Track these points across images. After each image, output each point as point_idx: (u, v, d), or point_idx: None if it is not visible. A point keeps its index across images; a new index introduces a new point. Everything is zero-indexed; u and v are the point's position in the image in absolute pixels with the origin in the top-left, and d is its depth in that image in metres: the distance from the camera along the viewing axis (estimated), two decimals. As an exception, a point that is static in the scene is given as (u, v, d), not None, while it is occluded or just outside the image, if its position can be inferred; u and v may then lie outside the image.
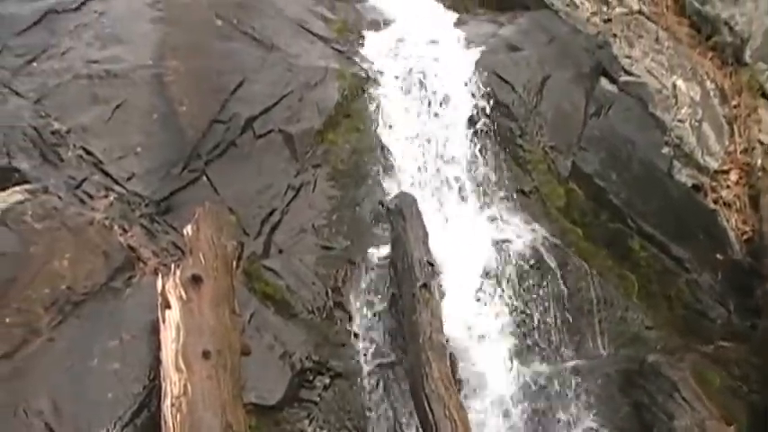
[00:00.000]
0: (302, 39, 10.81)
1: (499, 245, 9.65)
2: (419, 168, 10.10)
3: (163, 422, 6.66)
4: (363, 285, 9.20)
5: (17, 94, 9.16)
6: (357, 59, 10.82)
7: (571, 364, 9.43)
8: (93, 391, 7.28)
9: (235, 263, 7.99)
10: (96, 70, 9.45)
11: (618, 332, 9.71)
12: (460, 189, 10.11)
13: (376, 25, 11.63)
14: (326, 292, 9.08)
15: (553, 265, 9.70)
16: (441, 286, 8.85)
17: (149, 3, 10.27)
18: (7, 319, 7.29)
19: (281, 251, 9.14)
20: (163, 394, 6.78)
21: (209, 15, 10.41)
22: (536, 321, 9.48)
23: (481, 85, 10.53)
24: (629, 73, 11.02)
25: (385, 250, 9.33)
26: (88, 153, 8.89)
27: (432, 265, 8.80)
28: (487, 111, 10.40)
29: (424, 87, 10.53)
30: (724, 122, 10.87)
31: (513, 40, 11.37)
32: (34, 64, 9.47)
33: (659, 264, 10.02)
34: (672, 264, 10.00)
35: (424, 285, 8.49)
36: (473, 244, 9.61)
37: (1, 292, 7.35)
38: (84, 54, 9.63)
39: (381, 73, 10.69)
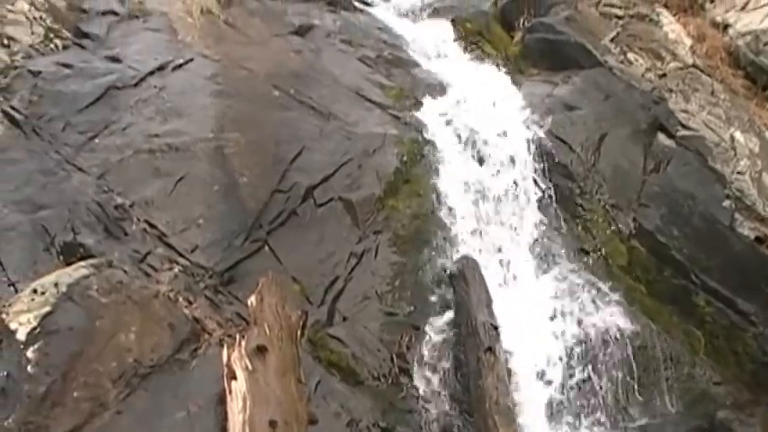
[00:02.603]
0: (359, 106, 10.90)
1: (562, 305, 9.61)
2: (480, 231, 10.14)
3: (232, 493, 6.68)
4: (428, 350, 9.16)
5: (80, 170, 9.26)
6: (415, 125, 10.86)
7: (639, 423, 9.32)
8: (163, 463, 7.30)
9: (299, 332, 7.97)
10: (157, 144, 9.55)
11: (686, 389, 9.60)
12: (522, 250, 10.09)
13: (432, 90, 11.66)
14: (392, 359, 9.03)
15: (618, 323, 9.61)
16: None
17: (208, 76, 10.44)
18: (75, 393, 7.30)
19: (345, 319, 9.12)
20: (231, 465, 6.80)
21: (267, 87, 10.54)
22: (603, 380, 9.37)
23: (539, 146, 10.58)
24: (686, 127, 11.00)
25: (449, 314, 9.35)
26: (152, 226, 8.96)
27: (496, 328, 8.80)
28: (546, 171, 10.41)
29: (482, 150, 10.61)
30: (784, 173, 10.80)
31: (568, 99, 11.43)
32: (96, 140, 9.58)
33: (725, 318, 9.94)
34: (738, 318, 9.92)
35: (489, 349, 8.50)
36: (536, 305, 9.58)
37: (68, 367, 7.37)
38: (145, 129, 9.74)
39: (439, 137, 10.75)
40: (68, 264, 8.27)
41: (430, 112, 11.18)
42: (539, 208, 10.35)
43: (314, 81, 10.96)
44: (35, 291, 7.70)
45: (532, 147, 10.63)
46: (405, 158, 10.36)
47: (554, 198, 10.41)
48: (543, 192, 10.42)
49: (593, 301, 9.71)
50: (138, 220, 8.96)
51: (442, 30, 13.27)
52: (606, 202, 10.46)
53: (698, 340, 9.93)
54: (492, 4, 13.76)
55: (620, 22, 12.65)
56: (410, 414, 8.85)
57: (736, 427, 9.17)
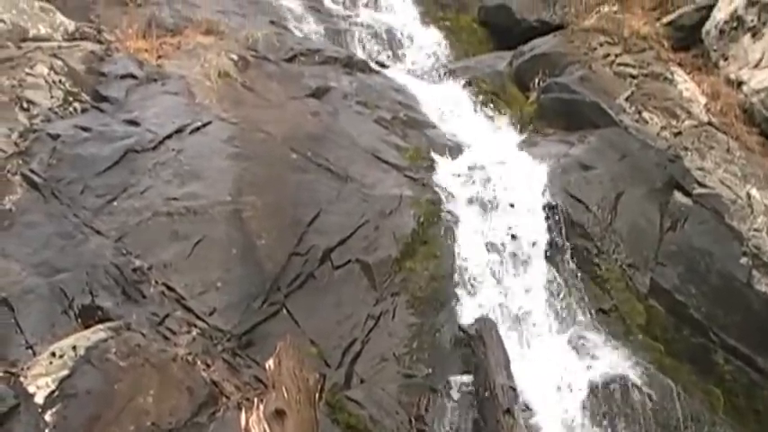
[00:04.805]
0: (376, 168, 10.92)
1: (581, 366, 9.57)
2: (498, 291, 10.12)
3: None
4: (447, 412, 9.08)
5: (98, 233, 9.30)
6: (431, 186, 10.89)
7: (660, 483, 9.28)
8: None
9: (317, 395, 7.95)
10: (176, 207, 9.59)
11: (706, 449, 9.55)
12: (539, 311, 10.07)
13: (447, 151, 11.68)
14: (410, 421, 8.97)
15: (637, 383, 9.56)
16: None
17: (225, 139, 10.48)
18: (94, 457, 7.34)
19: (362, 381, 9.10)
20: None
21: (284, 149, 10.57)
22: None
23: (555, 206, 10.60)
24: (702, 185, 11.03)
25: (467, 376, 9.30)
26: (170, 289, 8.99)
27: (514, 390, 8.77)
28: (563, 231, 10.42)
29: (499, 210, 10.63)
30: (801, 229, 10.79)
31: (584, 158, 11.44)
32: (115, 203, 9.62)
33: (745, 377, 9.93)
34: (758, 376, 9.92)
35: (508, 411, 8.46)
36: (555, 367, 9.55)
37: (86, 430, 7.39)
38: (163, 192, 9.78)
39: (455, 198, 10.80)
40: (86, 327, 8.31)
41: (445, 173, 11.23)
42: (555, 267, 10.35)
43: (331, 143, 10.99)
44: (53, 354, 7.75)
45: (549, 207, 10.66)
46: (421, 220, 10.37)
47: (571, 257, 10.43)
48: (560, 251, 10.43)
49: (612, 361, 9.67)
50: (157, 282, 8.99)
51: (458, 90, 13.32)
52: (623, 262, 10.46)
53: (717, 399, 9.90)
54: (507, 65, 13.86)
55: (635, 81, 12.70)
56: (428, 477, 8.84)
57: (757, 487, 9.14)
